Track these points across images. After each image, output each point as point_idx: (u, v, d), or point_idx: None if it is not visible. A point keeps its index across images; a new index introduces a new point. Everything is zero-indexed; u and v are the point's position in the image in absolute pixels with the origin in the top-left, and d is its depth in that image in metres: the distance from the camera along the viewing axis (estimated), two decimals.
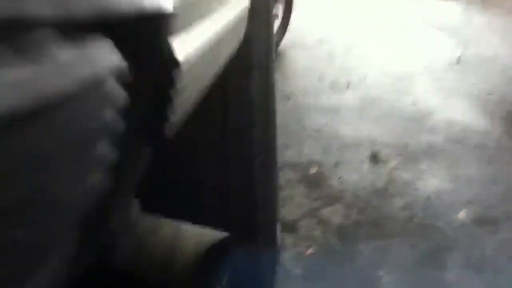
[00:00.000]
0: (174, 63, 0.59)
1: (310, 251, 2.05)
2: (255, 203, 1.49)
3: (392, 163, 2.86)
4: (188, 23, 0.68)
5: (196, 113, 1.38)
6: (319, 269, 1.94)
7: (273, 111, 1.51)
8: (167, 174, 1.43)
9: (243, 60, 1.24)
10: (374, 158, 2.89)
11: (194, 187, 1.46)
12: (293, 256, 2.01)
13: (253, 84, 1.32)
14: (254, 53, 1.28)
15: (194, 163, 1.43)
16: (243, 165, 1.44)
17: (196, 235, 1.11)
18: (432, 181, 2.70)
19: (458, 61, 4.81)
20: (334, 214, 2.32)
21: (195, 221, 1.47)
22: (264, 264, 1.67)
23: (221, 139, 1.39)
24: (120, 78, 0.44)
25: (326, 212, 2.34)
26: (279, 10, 4.40)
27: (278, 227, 1.88)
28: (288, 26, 4.58)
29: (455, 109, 3.79)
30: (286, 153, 2.84)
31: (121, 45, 0.44)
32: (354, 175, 2.71)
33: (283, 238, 2.03)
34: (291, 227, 2.19)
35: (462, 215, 2.38)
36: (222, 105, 1.35)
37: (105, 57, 0.42)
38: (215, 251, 1.12)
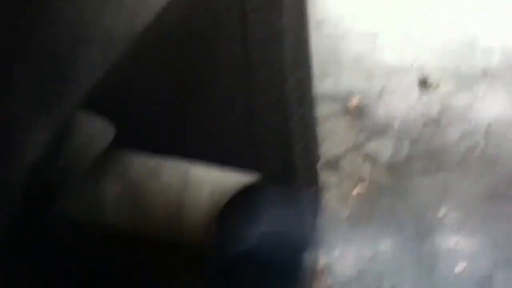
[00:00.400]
0: None
1: (356, 190, 1.78)
2: (290, 136, 1.21)
3: (445, 88, 2.51)
4: None
5: (214, 32, 1.09)
6: (368, 211, 1.69)
7: (304, 19, 1.21)
8: (182, 108, 1.16)
9: None
10: (424, 84, 2.54)
11: (216, 122, 1.18)
12: (337, 197, 1.76)
13: None
14: None
15: (213, 92, 1.14)
16: (274, 90, 1.15)
17: (212, 180, 0.83)
18: (491, 106, 2.35)
19: None
20: (382, 148, 2.03)
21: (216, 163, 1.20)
22: (305, 208, 1.42)
23: (243, 58, 1.09)
24: None
25: (372, 146, 2.05)
26: None
27: (319, 165, 1.62)
28: None
29: (509, 28, 3.36)
30: (323, 83, 2.53)
31: None
32: (402, 103, 2.38)
33: (325, 177, 1.77)
34: (334, 165, 1.92)
35: None
36: (241, 18, 1.05)
37: None
38: (240, 201, 0.85)
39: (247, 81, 1.12)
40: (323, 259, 1.47)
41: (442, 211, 1.66)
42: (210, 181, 0.84)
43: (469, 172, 1.86)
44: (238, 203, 0.84)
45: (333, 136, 2.11)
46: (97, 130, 0.79)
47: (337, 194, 1.76)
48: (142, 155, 0.88)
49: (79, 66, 0.65)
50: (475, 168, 1.89)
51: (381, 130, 2.17)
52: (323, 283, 1.40)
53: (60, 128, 0.70)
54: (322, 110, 2.26)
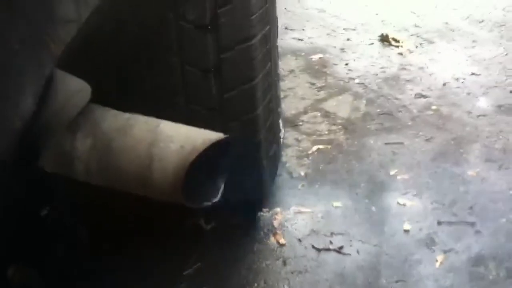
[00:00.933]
0: None
1: (313, 148, 1.83)
2: (254, 95, 1.21)
3: (405, 46, 2.55)
4: None
5: None
6: (323, 168, 1.74)
7: None
8: (150, 65, 1.14)
9: None
10: (385, 41, 2.58)
11: (180, 77, 1.17)
12: (295, 154, 1.80)
13: None
14: None
15: (181, 46, 1.12)
16: (240, 46, 1.14)
17: (181, 136, 0.85)
18: (449, 64, 2.42)
19: None
20: (341, 106, 2.07)
21: (185, 123, 1.20)
22: (264, 166, 1.45)
23: (212, 14, 1.07)
24: None
25: (331, 104, 2.09)
26: None
27: (281, 122, 1.64)
28: None
29: None
30: (286, 38, 2.52)
31: None
32: (363, 60, 2.42)
33: (284, 134, 1.80)
34: (293, 122, 1.96)
35: (482, 102, 2.14)
36: None
37: None
38: (208, 158, 0.87)
39: (214, 37, 1.11)
40: (278, 217, 1.53)
41: (393, 171, 1.73)
42: (179, 137, 0.85)
43: (421, 132, 1.93)
44: (206, 159, 0.86)
45: (293, 93, 2.13)
46: (75, 89, 0.78)
47: (295, 152, 1.81)
48: (113, 110, 0.87)
49: (54, 23, 0.62)
50: (426, 128, 1.96)
51: (341, 88, 2.20)
52: (277, 240, 1.46)
53: (44, 85, 0.69)
54: (283, 65, 2.27)
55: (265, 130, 1.31)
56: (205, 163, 0.86)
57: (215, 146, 0.86)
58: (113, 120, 0.82)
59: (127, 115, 0.84)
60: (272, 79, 1.30)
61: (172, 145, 0.80)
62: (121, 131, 0.80)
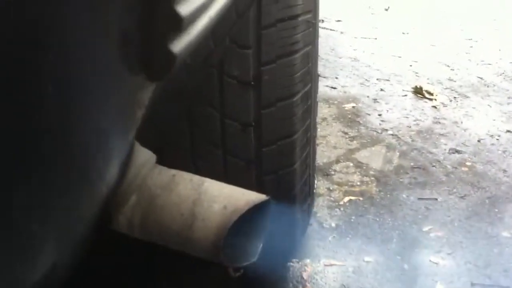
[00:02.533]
0: None
1: (345, 199, 1.82)
2: (293, 147, 1.22)
3: (439, 99, 2.55)
4: None
5: (228, 45, 1.09)
6: (355, 221, 1.73)
7: (316, 30, 1.22)
8: (192, 122, 1.17)
9: None
10: (418, 93, 2.58)
11: (222, 131, 1.19)
12: (326, 204, 1.79)
13: None
14: None
15: (223, 103, 1.15)
16: (282, 104, 1.15)
17: (225, 197, 0.85)
18: (483, 120, 2.40)
19: None
20: (373, 157, 2.06)
21: (222, 174, 1.20)
22: (298, 215, 1.45)
23: (255, 72, 1.10)
24: None
25: (364, 154, 2.08)
26: None
27: (315, 176, 1.65)
28: None
29: (504, 44, 3.40)
30: (319, 85, 2.54)
31: None
32: (396, 112, 2.42)
33: (316, 184, 1.80)
34: (324, 171, 1.96)
35: None
36: (256, 35, 1.06)
37: None
38: (250, 219, 0.87)
39: (256, 93, 1.13)
40: (308, 268, 1.52)
41: (426, 227, 1.71)
42: (223, 197, 0.85)
43: (455, 189, 1.91)
44: (246, 219, 0.86)
45: (325, 142, 2.14)
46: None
47: (326, 202, 1.80)
48: (158, 166, 0.88)
49: (142, 87, 0.63)
50: (461, 185, 1.94)
51: (373, 139, 2.20)
52: None
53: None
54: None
55: (301, 184, 1.32)
56: (245, 223, 0.86)
57: (257, 208, 0.87)
58: (159, 176, 0.84)
59: (172, 171, 0.85)
60: (310, 135, 1.31)
61: (216, 205, 0.81)
62: (166, 188, 0.82)
